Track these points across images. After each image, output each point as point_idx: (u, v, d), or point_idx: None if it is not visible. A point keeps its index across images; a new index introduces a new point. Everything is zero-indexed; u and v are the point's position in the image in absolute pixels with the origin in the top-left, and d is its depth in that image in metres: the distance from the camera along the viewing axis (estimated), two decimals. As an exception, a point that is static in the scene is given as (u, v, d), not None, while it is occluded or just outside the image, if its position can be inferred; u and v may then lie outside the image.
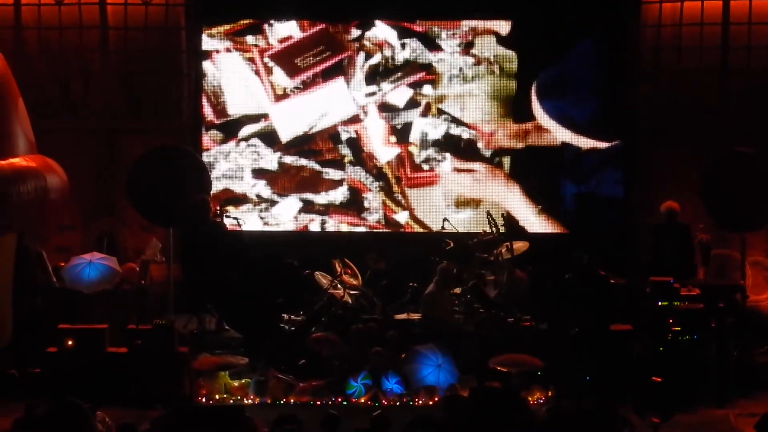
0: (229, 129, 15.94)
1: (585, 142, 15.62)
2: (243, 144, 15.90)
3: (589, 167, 15.65)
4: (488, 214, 13.99)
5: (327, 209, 15.92)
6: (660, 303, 12.62)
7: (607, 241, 14.88)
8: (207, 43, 15.87)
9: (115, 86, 15.79)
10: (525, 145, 15.73)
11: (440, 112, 15.79)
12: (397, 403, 12.16)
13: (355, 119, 15.88)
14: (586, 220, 15.60)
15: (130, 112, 15.85)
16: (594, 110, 15.62)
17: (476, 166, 15.77)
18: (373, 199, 15.90)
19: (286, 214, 15.94)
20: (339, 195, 15.91)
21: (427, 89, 15.79)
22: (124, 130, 15.78)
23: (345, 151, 15.89)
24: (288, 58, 15.85)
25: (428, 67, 15.79)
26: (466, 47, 15.74)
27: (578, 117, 15.62)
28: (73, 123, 15.72)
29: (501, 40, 15.71)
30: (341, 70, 15.84)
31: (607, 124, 15.59)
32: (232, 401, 12.18)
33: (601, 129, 15.60)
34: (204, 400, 12.23)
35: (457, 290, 13.70)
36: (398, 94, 15.84)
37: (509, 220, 14.87)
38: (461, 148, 15.78)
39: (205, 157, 15.76)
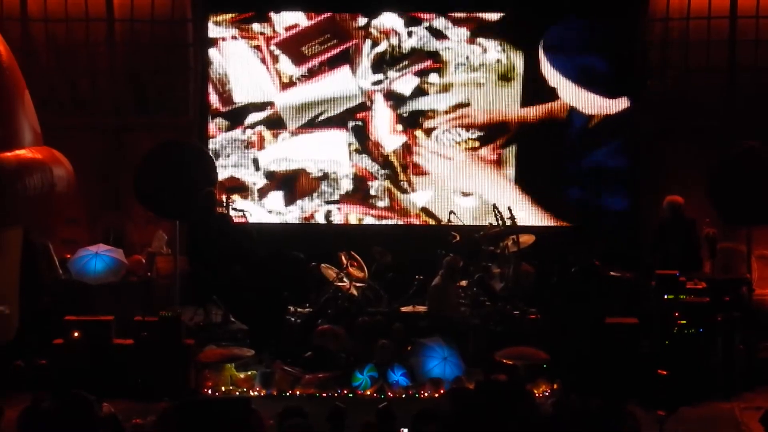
0: (235, 117, 16.04)
1: (592, 102, 15.75)
2: (249, 132, 16.02)
3: (595, 161, 15.75)
4: (494, 207, 14.08)
5: (332, 197, 16.09)
6: (666, 296, 12.67)
7: (614, 235, 15.02)
8: (213, 30, 15.97)
9: (122, 81, 15.90)
10: (531, 126, 15.85)
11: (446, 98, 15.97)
12: (403, 396, 12.27)
13: (361, 107, 16.00)
14: (593, 215, 15.70)
15: (138, 108, 15.98)
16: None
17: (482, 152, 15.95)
18: (379, 187, 16.03)
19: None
20: (345, 183, 16.07)
21: (433, 77, 15.89)
22: (131, 125, 15.91)
23: (351, 139, 16.01)
24: (294, 46, 15.95)
25: (435, 56, 15.87)
26: (473, 36, 15.86)
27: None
28: (80, 119, 15.83)
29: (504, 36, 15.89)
30: (347, 58, 15.94)
31: (618, 82, 15.70)
32: (237, 393, 12.29)
33: (610, 85, 15.71)
34: (210, 391, 12.36)
35: (464, 283, 13.77)
36: (405, 82, 15.92)
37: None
38: (467, 137, 15.93)
39: (211, 145, 15.90)
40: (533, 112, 15.86)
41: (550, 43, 15.70)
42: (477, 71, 15.85)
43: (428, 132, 15.94)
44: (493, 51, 15.81)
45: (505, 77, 15.85)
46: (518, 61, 15.82)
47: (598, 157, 15.77)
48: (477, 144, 15.90)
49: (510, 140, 15.91)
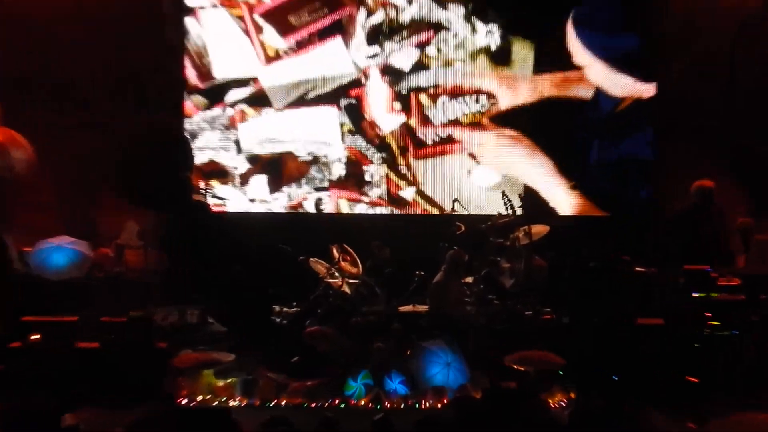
0: (215, 94, 15.96)
1: (619, 82, 15.75)
2: (230, 110, 15.92)
3: (619, 149, 15.76)
4: (504, 194, 13.98)
5: (323, 183, 15.99)
6: (696, 294, 12.58)
7: (636, 226, 14.95)
8: (190, -3, 15.92)
9: (98, 64, 15.73)
10: (546, 99, 15.85)
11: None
12: (402, 406, 12.09)
13: (355, 83, 15.90)
14: (613, 204, 15.73)
15: (115, 92, 15.79)
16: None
17: (492, 135, 15.87)
18: (375, 172, 15.95)
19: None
20: (337, 168, 15.95)
21: (435, 50, 15.80)
22: (107, 112, 15.71)
23: (343, 119, 15.93)
24: (281, 15, 15.87)
25: (437, 26, 15.80)
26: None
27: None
28: (51, 103, 15.69)
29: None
30: (340, 28, 15.86)
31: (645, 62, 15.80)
32: (216, 403, 12.17)
33: (639, 64, 15.81)
34: (185, 401, 12.20)
35: (469, 279, 13.71)
36: (403, 55, 15.86)
37: (530, 198, 14.96)
38: (476, 110, 15.83)
39: (187, 125, 15.82)
40: (550, 85, 15.80)
41: (579, 18, 15.72)
42: (483, 42, 15.74)
43: (434, 98, 15.82)
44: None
45: (514, 50, 15.77)
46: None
47: (623, 145, 15.79)
48: (487, 120, 15.79)
49: (524, 118, 15.86)
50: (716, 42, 15.48)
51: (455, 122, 15.86)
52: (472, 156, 15.85)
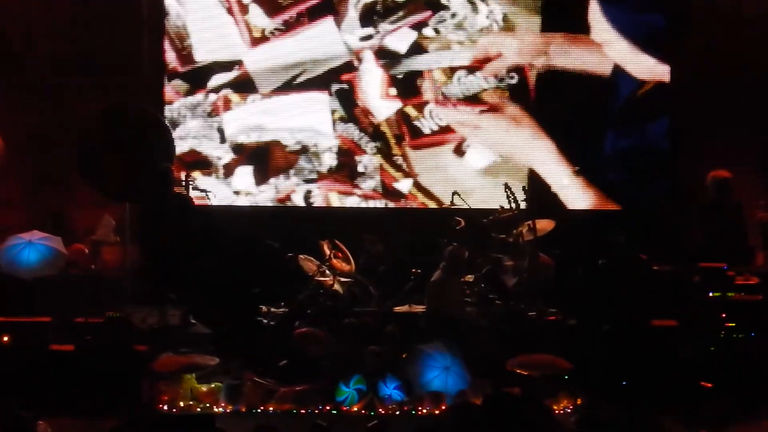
0: (196, 78, 16.00)
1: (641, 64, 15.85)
2: (213, 96, 15.99)
3: (636, 137, 15.84)
4: (506, 186, 14.03)
5: (312, 174, 16.09)
6: (711, 294, 12.70)
7: (649, 220, 15.05)
8: (169, -26, 15.94)
9: (62, 33, 15.82)
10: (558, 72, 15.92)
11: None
12: (397, 412, 12.20)
13: (347, 67, 15.99)
14: (625, 195, 15.79)
15: (81, 66, 15.88)
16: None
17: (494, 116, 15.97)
18: (369, 162, 16.03)
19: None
20: (327, 158, 16.04)
21: (433, 31, 15.86)
22: (72, 86, 15.82)
23: (335, 105, 16.00)
24: (267, -8, 15.95)
25: (436, 5, 15.87)
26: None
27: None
28: (12, 79, 15.80)
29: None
30: (331, 8, 15.88)
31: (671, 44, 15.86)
32: (199, 409, 12.27)
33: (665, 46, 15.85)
34: (166, 407, 12.28)
35: (469, 278, 13.76)
36: (399, 37, 15.91)
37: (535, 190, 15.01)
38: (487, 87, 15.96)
39: (167, 112, 15.87)
40: (562, 59, 15.90)
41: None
42: (486, 22, 15.86)
43: (449, 72, 15.93)
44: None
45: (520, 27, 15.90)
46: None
47: (641, 133, 15.84)
48: (496, 99, 15.93)
49: (529, 97, 15.95)
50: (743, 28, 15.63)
51: (472, 98, 15.96)
52: (459, 150, 15.95)
